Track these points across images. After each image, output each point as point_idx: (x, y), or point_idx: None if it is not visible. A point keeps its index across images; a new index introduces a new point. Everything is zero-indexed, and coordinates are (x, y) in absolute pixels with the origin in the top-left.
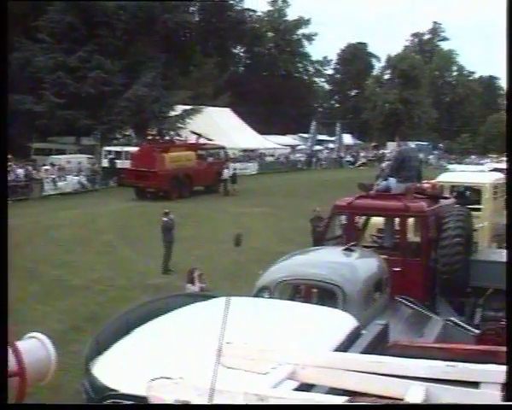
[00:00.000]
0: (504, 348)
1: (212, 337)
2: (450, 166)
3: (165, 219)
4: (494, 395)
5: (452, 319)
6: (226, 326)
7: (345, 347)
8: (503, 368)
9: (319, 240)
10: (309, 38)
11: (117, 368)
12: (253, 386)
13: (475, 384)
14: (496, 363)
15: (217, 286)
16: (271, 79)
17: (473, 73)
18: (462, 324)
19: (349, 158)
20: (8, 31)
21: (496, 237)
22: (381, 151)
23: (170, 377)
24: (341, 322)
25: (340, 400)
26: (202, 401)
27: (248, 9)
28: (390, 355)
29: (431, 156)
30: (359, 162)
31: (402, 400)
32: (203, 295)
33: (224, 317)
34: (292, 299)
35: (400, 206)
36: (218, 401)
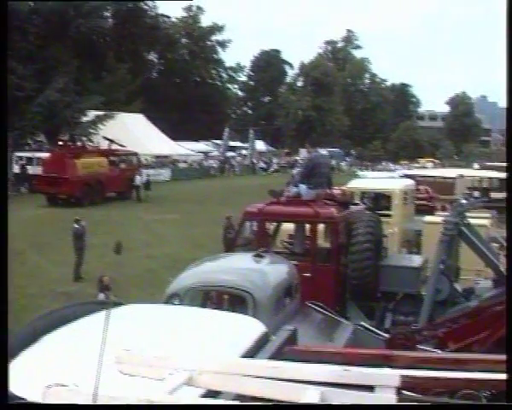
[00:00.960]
0: (401, 352)
1: (114, 345)
2: (360, 173)
3: (76, 225)
4: (388, 399)
5: (362, 323)
6: (107, 334)
7: (252, 353)
8: (398, 372)
9: (230, 246)
10: (223, 44)
11: (24, 376)
12: (147, 392)
13: (371, 388)
14: (391, 367)
15: (128, 293)
16: (184, 85)
17: (385, 80)
18: (372, 328)
19: (262, 164)
20: None
21: (405, 242)
22: (293, 158)
23: (65, 385)
24: (249, 328)
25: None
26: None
27: (162, 15)
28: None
29: (343, 163)
30: (272, 169)
31: None
32: (112, 303)
33: (105, 325)
34: (203, 305)
35: (310, 212)
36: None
